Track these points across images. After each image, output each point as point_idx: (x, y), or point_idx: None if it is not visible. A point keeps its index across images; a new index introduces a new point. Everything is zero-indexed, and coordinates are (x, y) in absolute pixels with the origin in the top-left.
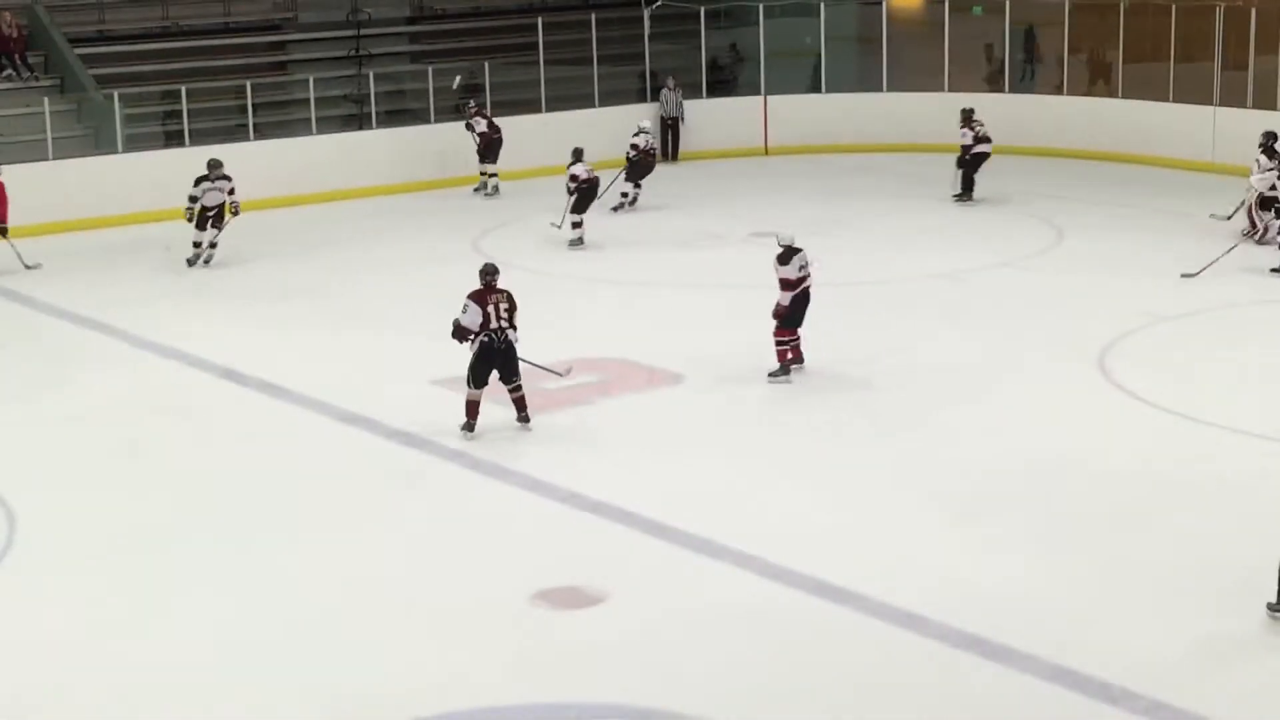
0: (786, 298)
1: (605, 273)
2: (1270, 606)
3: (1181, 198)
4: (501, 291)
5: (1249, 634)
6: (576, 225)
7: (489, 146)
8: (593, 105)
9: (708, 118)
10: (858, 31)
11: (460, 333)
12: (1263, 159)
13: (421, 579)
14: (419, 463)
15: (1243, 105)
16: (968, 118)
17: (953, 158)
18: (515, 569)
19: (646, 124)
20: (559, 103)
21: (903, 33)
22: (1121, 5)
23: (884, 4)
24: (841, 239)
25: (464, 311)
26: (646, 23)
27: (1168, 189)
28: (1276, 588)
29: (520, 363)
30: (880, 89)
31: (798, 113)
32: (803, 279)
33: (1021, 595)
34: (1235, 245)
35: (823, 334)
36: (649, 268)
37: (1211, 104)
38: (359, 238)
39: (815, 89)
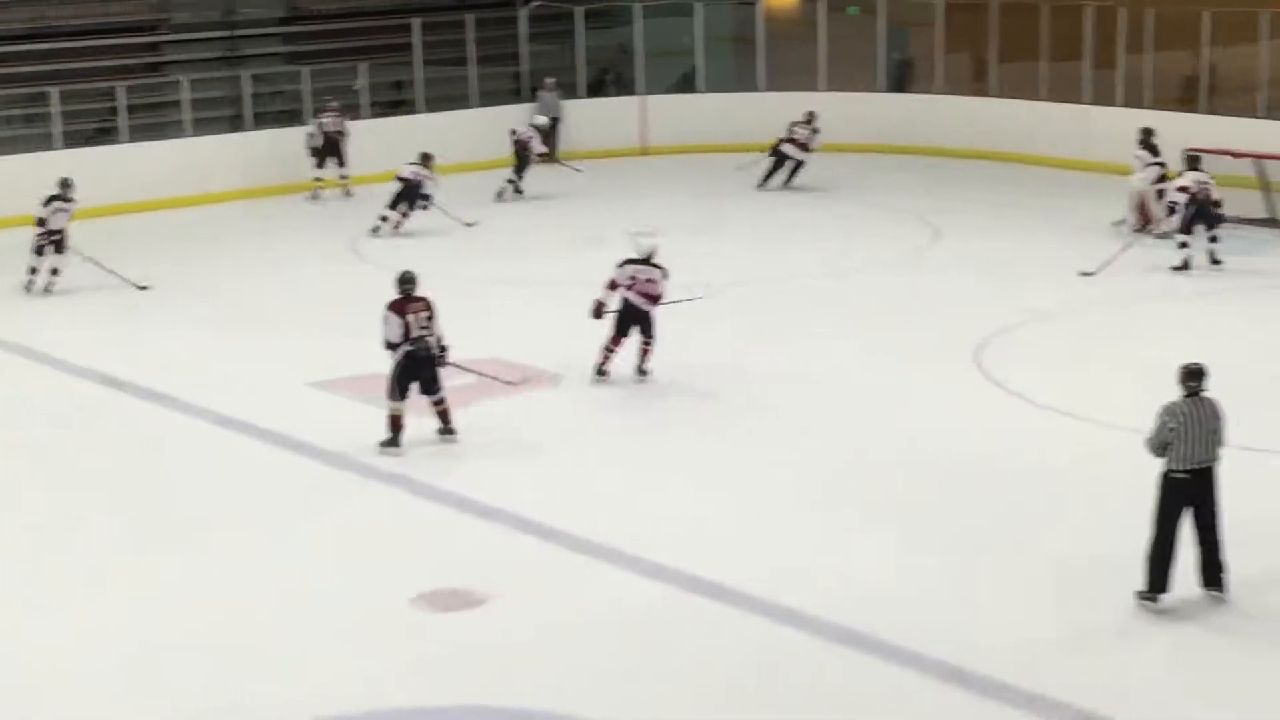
0: (609, 297)
1: (483, 273)
2: (1139, 594)
3: (1056, 196)
4: (420, 299)
5: (1121, 623)
6: (384, 219)
7: (333, 147)
8: (469, 106)
9: (586, 118)
10: (734, 31)
11: (386, 345)
12: (1144, 155)
13: (309, 584)
14: (304, 467)
15: (1112, 103)
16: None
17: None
18: (402, 573)
19: (541, 119)
20: (436, 103)
21: (779, 32)
22: (994, 5)
23: (760, 4)
24: (723, 238)
25: (384, 324)
26: (523, 23)
27: (1043, 187)
28: (1145, 577)
29: (468, 372)
30: (757, 89)
31: (675, 112)
32: (629, 287)
33: (902, 591)
34: (1131, 243)
35: (706, 333)
36: (527, 268)
37: (1083, 102)
38: (236, 239)
39: (692, 89)
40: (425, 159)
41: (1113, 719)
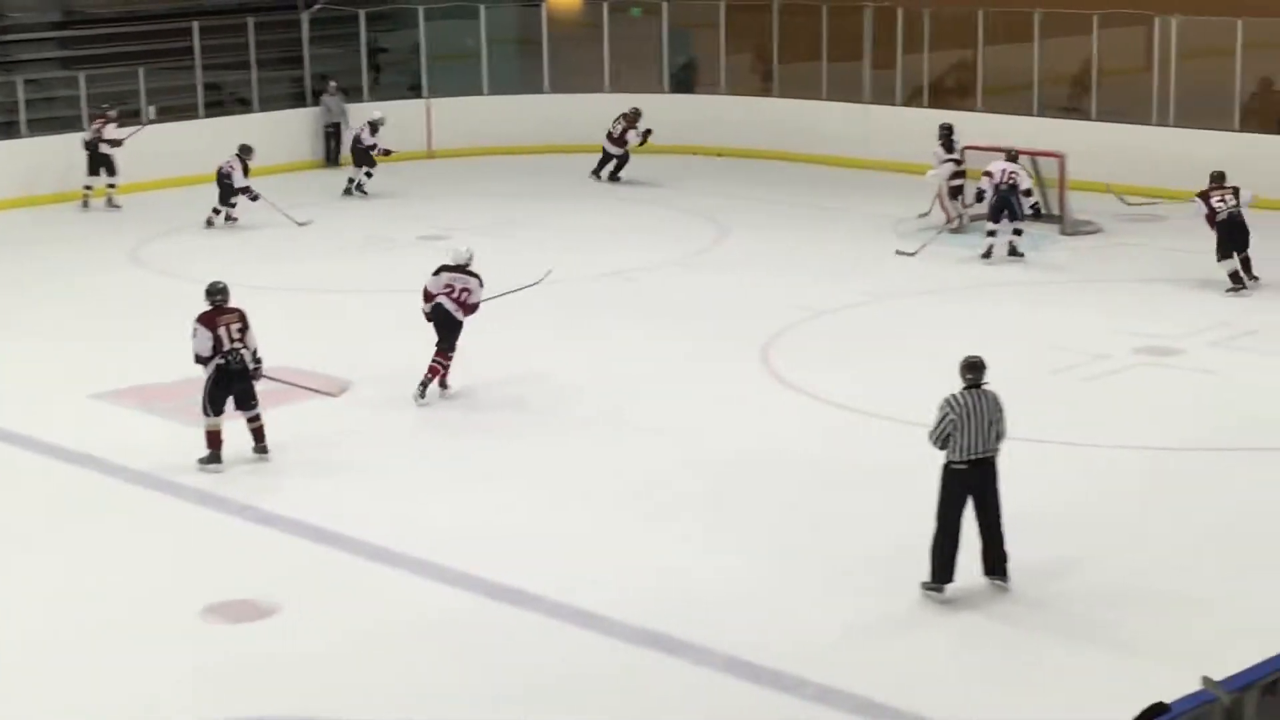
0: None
1: (274, 280)
2: (924, 585)
3: (838, 194)
4: (232, 311)
5: (909, 613)
6: (216, 212)
7: (105, 157)
8: (252, 110)
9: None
10: (518, 33)
11: (196, 359)
12: (940, 151)
13: (96, 599)
14: (89, 481)
15: (892, 103)
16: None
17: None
18: (190, 586)
19: (377, 114)
20: (217, 108)
21: (563, 34)
22: (775, 6)
23: (543, 6)
24: (513, 240)
25: (193, 337)
26: (305, 26)
27: (825, 186)
28: (929, 567)
29: (286, 384)
30: (542, 90)
31: (461, 115)
32: (445, 294)
33: (700, 589)
34: (937, 234)
35: (498, 336)
36: (318, 274)
37: (863, 101)
38: (14, 248)
39: (477, 91)
40: (244, 151)
41: (900, 707)
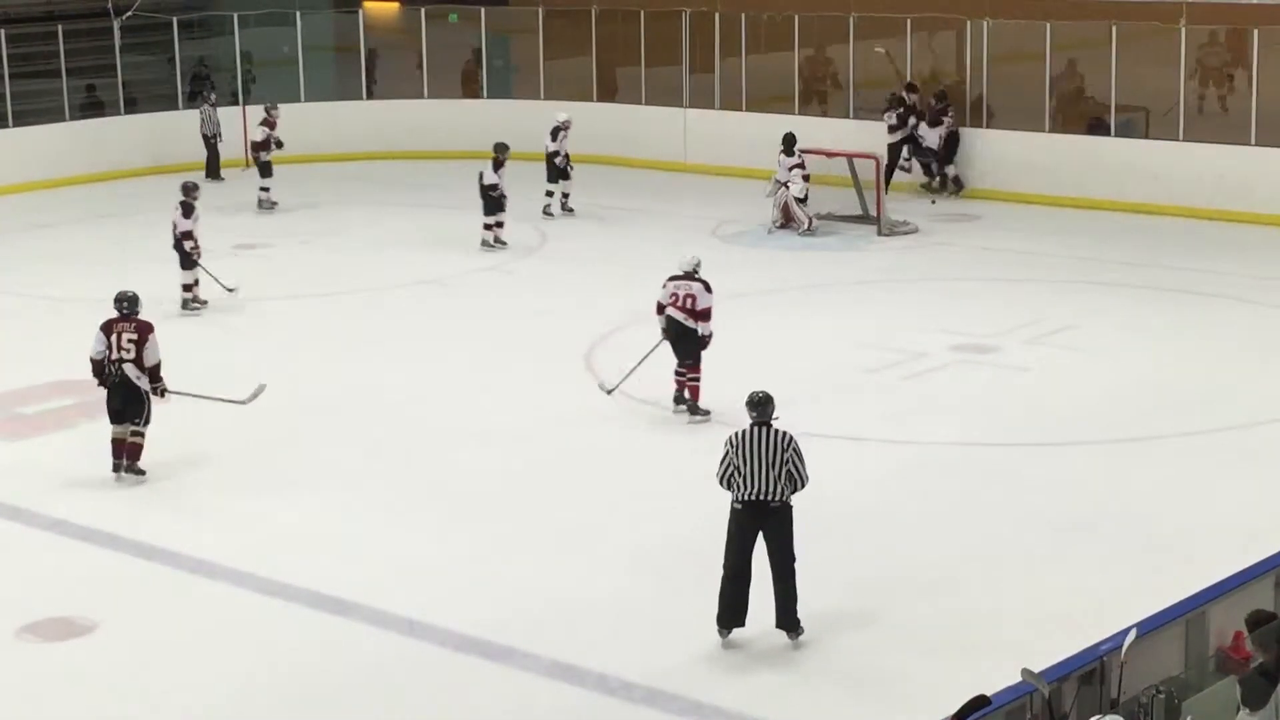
0: None
1: (77, 291)
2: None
3: (659, 198)
4: (130, 321)
5: (653, 591)
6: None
7: None
8: (64, 119)
9: (188, 130)
10: (335, 40)
11: (90, 360)
12: (784, 159)
13: None
14: None
15: (710, 106)
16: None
17: (444, 163)
18: (6, 606)
19: (562, 116)
20: (29, 117)
21: (381, 41)
22: (593, 11)
23: (361, 12)
24: (327, 247)
25: (95, 338)
26: (117, 34)
27: (644, 189)
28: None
29: (185, 398)
30: (361, 97)
31: (278, 122)
32: (672, 304)
33: (519, 597)
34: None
35: (316, 342)
36: (134, 286)
37: (682, 106)
38: None
39: (295, 98)
40: (186, 191)
41: (725, 707)
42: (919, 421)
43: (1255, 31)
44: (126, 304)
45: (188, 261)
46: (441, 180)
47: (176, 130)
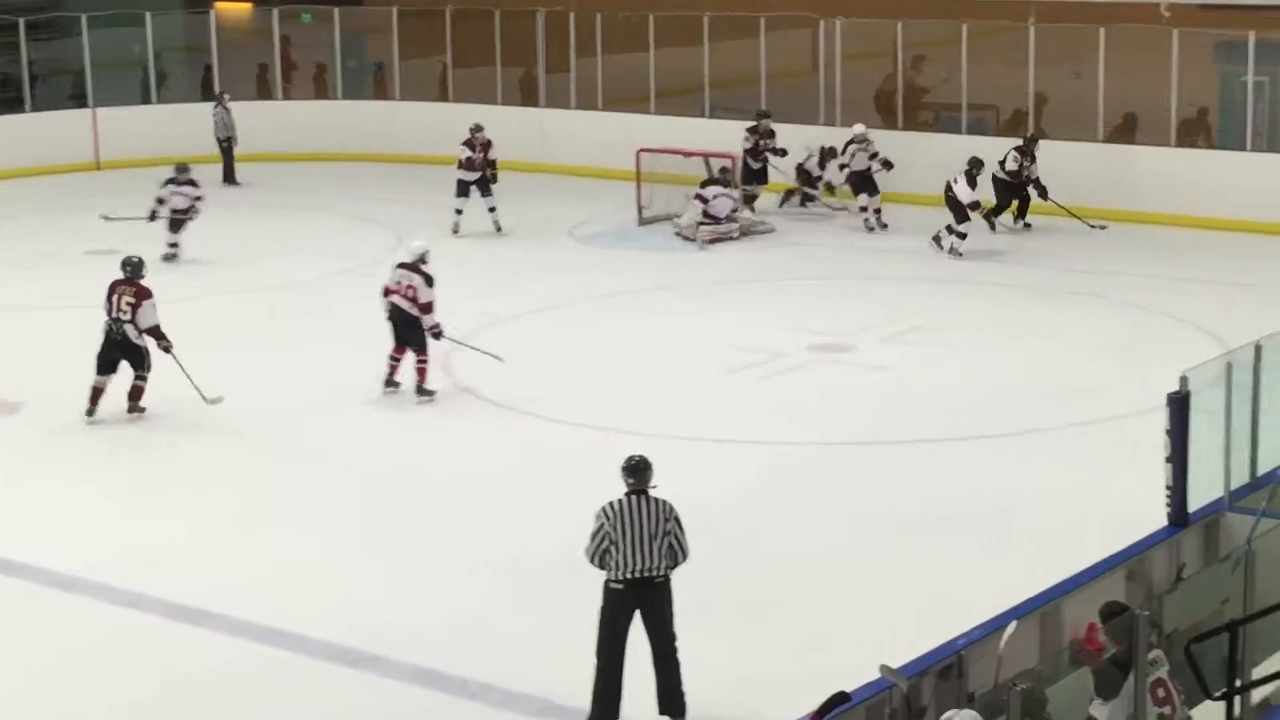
0: None
1: None
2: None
3: (515, 198)
4: (129, 284)
5: (590, 618)
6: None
7: None
8: None
9: (23, 134)
10: (187, 40)
11: None
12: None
13: None
14: None
15: (567, 106)
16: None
17: (300, 166)
18: None
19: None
20: None
21: (233, 41)
22: (448, 11)
23: (212, 12)
24: (184, 253)
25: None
26: None
27: (501, 190)
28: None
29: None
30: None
31: (130, 125)
32: (397, 291)
33: (377, 604)
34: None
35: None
36: None
37: (539, 105)
38: None
39: (146, 100)
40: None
41: (584, 708)
42: (779, 422)
43: (1102, 30)
44: (130, 268)
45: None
46: (298, 182)
47: (25, 132)
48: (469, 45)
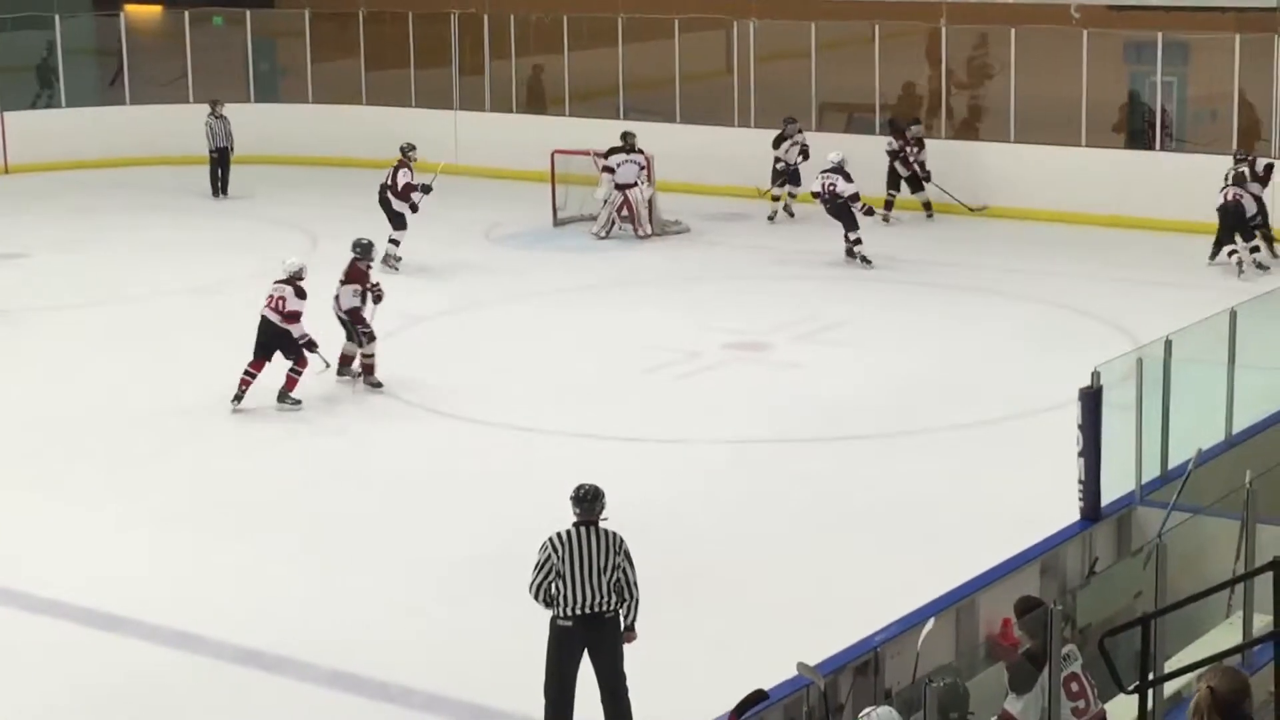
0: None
1: None
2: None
3: (429, 200)
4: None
5: (515, 617)
6: None
7: None
8: None
9: None
10: (97, 43)
11: None
12: (626, 156)
13: None
14: None
15: (482, 108)
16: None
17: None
18: None
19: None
20: None
21: (144, 44)
22: (360, 14)
23: (122, 15)
24: (90, 256)
25: None
26: None
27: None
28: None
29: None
30: (124, 102)
31: (38, 128)
32: (267, 305)
33: (293, 608)
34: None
35: (72, 351)
36: None
37: (452, 108)
38: None
39: (55, 103)
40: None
41: (506, 709)
42: (695, 421)
43: (1013, 31)
44: (360, 249)
45: None
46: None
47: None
48: (382, 47)
